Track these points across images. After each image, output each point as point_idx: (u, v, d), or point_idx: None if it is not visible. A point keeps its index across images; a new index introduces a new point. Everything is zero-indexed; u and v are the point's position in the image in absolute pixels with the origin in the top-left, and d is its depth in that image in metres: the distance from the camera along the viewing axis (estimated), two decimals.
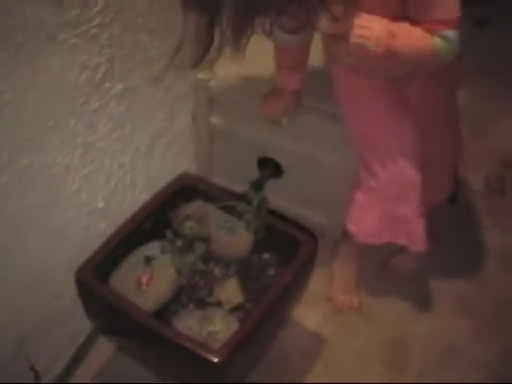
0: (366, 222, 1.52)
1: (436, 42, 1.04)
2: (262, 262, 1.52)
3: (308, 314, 1.70)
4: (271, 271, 1.51)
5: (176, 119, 1.69)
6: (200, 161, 1.86)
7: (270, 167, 1.73)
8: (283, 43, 1.38)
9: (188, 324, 1.37)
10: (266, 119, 1.55)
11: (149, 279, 1.41)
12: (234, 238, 1.48)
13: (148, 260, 1.44)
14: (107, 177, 1.47)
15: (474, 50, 2.00)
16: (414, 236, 1.48)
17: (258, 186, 1.63)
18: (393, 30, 1.02)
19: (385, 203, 1.46)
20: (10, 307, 1.28)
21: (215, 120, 1.75)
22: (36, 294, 1.36)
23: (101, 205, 1.48)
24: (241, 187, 1.57)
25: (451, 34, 1.04)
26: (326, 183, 1.71)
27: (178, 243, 1.34)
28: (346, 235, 1.65)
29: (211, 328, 1.36)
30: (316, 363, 1.64)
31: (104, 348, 1.62)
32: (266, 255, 1.53)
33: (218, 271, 1.49)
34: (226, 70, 1.66)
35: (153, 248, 1.48)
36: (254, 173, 1.72)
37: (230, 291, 1.45)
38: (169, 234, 1.34)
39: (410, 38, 1.05)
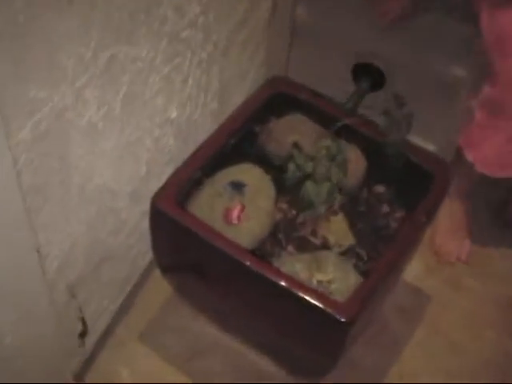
0: (488, 145, 1.50)
1: None
2: (375, 197, 1.50)
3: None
4: (385, 208, 1.49)
5: (256, 11, 1.63)
6: (272, 66, 1.79)
7: (369, 77, 1.69)
8: None
9: (294, 270, 1.33)
10: (369, 16, 1.52)
11: (240, 211, 1.37)
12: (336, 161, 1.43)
13: (238, 187, 1.40)
14: (184, 78, 1.43)
15: None
16: None
17: (355, 99, 1.60)
18: None
19: None
20: (70, 242, 1.28)
21: (302, 11, 1.69)
22: (97, 226, 1.36)
23: (173, 114, 1.45)
24: None
25: None
26: (437, 101, 1.68)
27: (309, 167, 1.31)
28: (457, 165, 1.63)
29: (322, 276, 1.34)
30: (416, 324, 1.65)
31: (153, 296, 1.64)
32: (380, 188, 1.51)
33: None
34: None
35: (239, 171, 1.45)
36: (346, 84, 1.68)
37: (339, 230, 1.43)
38: (298, 156, 1.31)
39: None
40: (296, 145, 1.37)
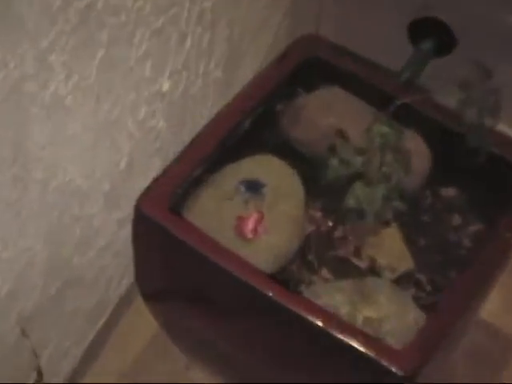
0: None
1: None
2: (442, 203, 1.51)
3: None
4: (456, 220, 1.49)
5: None
6: (299, 20, 1.79)
7: (432, 36, 1.69)
8: None
9: (332, 303, 1.34)
10: None
11: (257, 221, 1.38)
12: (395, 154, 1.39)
13: (254, 187, 1.41)
14: (181, 36, 1.44)
15: None
16: None
17: (414, 68, 1.60)
18: None
19: None
20: (25, 261, 1.28)
21: None
22: (60, 238, 1.36)
23: (165, 86, 1.46)
24: None
25: None
26: None
27: (358, 163, 1.30)
28: None
29: (371, 312, 1.35)
30: (496, 374, 1.66)
31: (131, 336, 1.65)
32: (450, 191, 1.51)
33: None
34: None
35: (255, 165, 1.46)
36: (400, 46, 1.68)
37: (393, 249, 1.44)
38: (343, 147, 1.30)
39: None
40: (341, 132, 1.36)
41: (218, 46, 1.57)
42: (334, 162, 1.32)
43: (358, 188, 1.30)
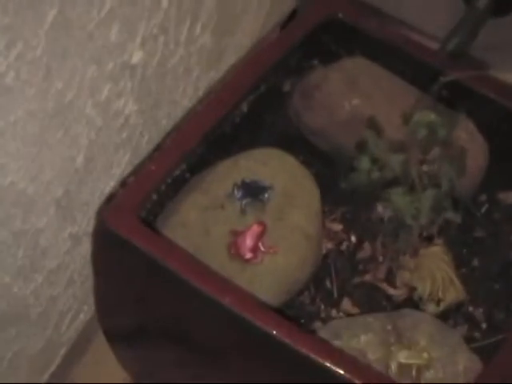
0: None
1: None
2: (501, 212, 1.51)
3: None
4: None
5: None
6: None
7: None
8: None
9: (356, 345, 1.33)
10: None
11: (258, 237, 1.36)
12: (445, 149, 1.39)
13: (254, 191, 1.40)
14: None
15: None
16: None
17: (466, 33, 1.60)
18: None
19: None
20: None
21: None
22: None
23: (136, 57, 1.46)
24: None
25: None
26: None
27: (395, 161, 1.29)
28: None
29: (408, 357, 1.33)
30: None
31: None
32: (511, 196, 1.49)
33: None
34: None
35: (256, 162, 1.45)
36: (447, 2, 1.70)
37: (437, 273, 1.42)
38: (375, 141, 1.29)
39: None
40: (373, 122, 1.34)
41: (205, 3, 1.57)
42: (365, 162, 1.31)
43: (397, 196, 1.29)
